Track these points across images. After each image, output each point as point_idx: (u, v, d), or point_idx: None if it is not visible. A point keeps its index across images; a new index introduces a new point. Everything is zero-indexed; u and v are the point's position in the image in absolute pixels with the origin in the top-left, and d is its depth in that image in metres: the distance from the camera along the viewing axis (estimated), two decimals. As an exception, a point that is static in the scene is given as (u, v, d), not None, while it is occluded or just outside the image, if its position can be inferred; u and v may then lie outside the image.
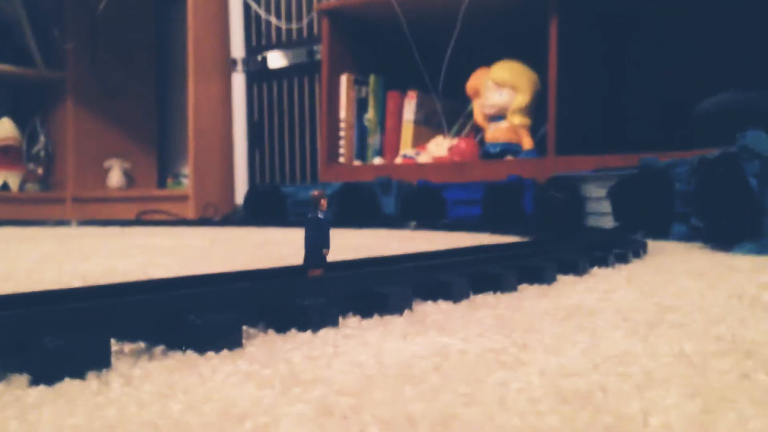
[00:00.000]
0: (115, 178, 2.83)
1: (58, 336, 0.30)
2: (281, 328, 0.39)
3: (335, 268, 0.51)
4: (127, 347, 0.35)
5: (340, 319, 0.42)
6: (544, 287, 0.58)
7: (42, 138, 2.90)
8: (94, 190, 2.81)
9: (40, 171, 2.89)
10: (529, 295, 0.54)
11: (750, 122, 1.27)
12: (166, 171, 3.00)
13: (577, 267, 0.65)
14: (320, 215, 0.47)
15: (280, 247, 1.08)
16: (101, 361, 0.30)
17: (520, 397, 0.27)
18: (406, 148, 2.12)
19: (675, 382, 0.29)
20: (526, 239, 1.18)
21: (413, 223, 1.68)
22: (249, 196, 2.15)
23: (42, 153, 2.90)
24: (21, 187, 2.85)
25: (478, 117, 1.96)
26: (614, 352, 0.34)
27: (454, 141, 1.99)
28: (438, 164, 1.93)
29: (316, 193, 0.47)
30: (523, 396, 0.27)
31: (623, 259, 0.76)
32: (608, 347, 0.36)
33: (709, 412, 0.25)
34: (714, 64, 1.76)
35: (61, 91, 2.79)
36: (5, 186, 2.80)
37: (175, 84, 2.89)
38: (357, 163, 2.20)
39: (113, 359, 0.31)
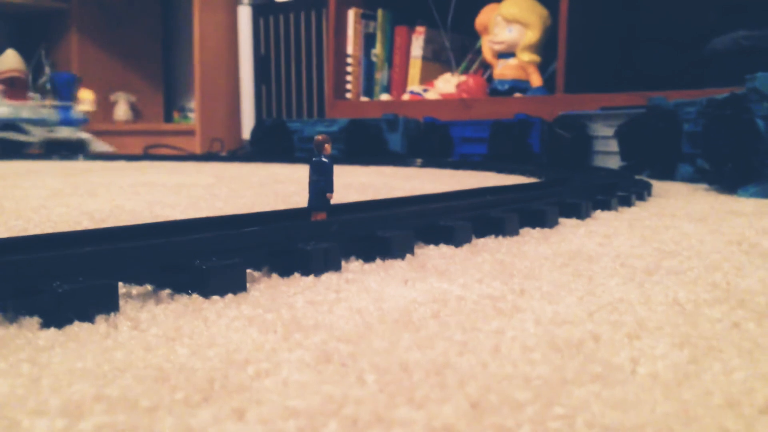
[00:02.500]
0: (122, 111, 2.83)
1: (68, 280, 0.31)
2: (285, 272, 0.40)
3: (338, 211, 0.51)
4: (135, 290, 0.36)
5: (343, 263, 0.43)
6: (546, 231, 0.58)
7: (47, 69, 2.88)
8: (100, 123, 2.80)
9: (46, 103, 2.88)
10: (530, 239, 0.55)
11: (763, 61, 1.25)
12: (172, 105, 2.99)
13: (580, 211, 0.65)
14: (324, 159, 0.47)
15: (285, 184, 1.08)
16: (110, 305, 0.31)
17: (514, 345, 0.28)
18: (414, 85, 2.10)
19: (666, 331, 0.30)
20: (531, 180, 1.19)
21: (419, 161, 1.68)
22: (255, 132, 2.14)
23: (48, 85, 2.89)
24: (28, 119, 2.84)
25: (487, 54, 1.94)
26: (609, 299, 0.35)
27: (462, 78, 1.97)
28: (445, 101, 1.92)
29: (320, 137, 0.47)
30: (517, 344, 0.28)
31: (627, 202, 0.76)
32: (604, 295, 0.36)
33: (696, 362, 0.26)
34: (727, 1, 1.72)
35: (65, 22, 2.77)
36: (12, 118, 2.79)
37: (181, 16, 2.86)
38: (364, 99, 2.18)
39: (121, 302, 0.32)
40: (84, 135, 2.16)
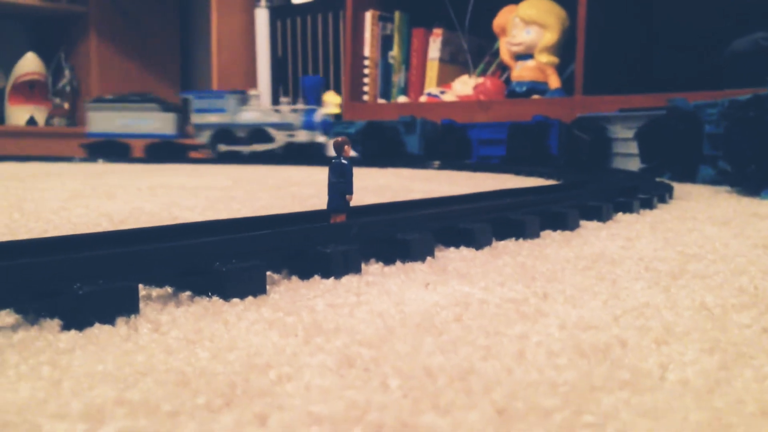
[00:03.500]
0: (140, 114, 2.84)
1: (88, 282, 0.31)
2: (305, 275, 0.40)
3: (358, 213, 0.51)
4: (155, 292, 0.35)
5: (363, 266, 0.43)
6: (567, 234, 0.58)
7: (67, 73, 2.91)
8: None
9: (66, 106, 2.90)
10: (551, 242, 0.54)
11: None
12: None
13: (601, 213, 0.64)
14: (344, 161, 0.47)
15: (302, 187, 1.08)
16: (130, 307, 0.31)
17: (539, 350, 0.27)
18: (431, 87, 2.10)
19: (694, 337, 0.29)
20: (550, 182, 1.18)
21: (437, 163, 1.68)
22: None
23: (67, 88, 2.91)
24: (47, 121, 2.87)
25: (505, 55, 1.93)
26: (634, 304, 0.35)
27: (480, 80, 1.96)
28: (463, 103, 1.91)
29: (339, 139, 0.46)
30: (542, 349, 0.27)
31: (648, 205, 0.76)
32: (629, 299, 0.36)
33: (727, 368, 0.26)
34: (748, 1, 1.70)
35: (84, 25, 2.78)
36: (32, 120, 2.82)
37: (199, 19, 2.87)
38: (381, 101, 2.18)
39: (141, 305, 0.32)
40: (321, 139, 1.98)
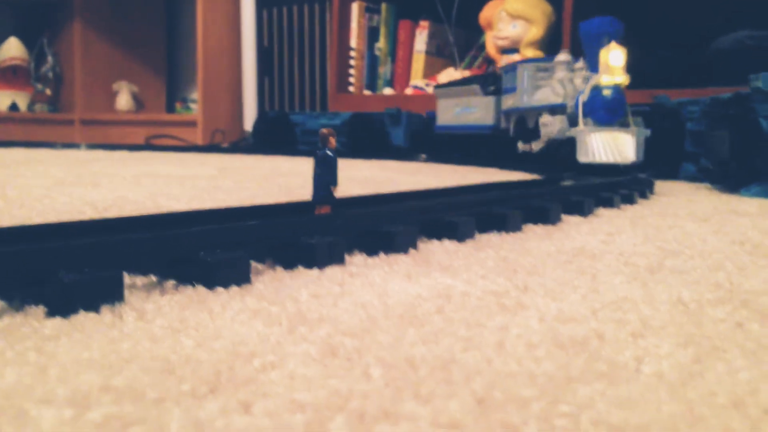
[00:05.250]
0: (124, 101, 2.82)
1: (73, 270, 0.31)
2: (289, 265, 0.40)
3: (343, 205, 0.51)
4: (140, 281, 0.36)
5: (347, 257, 0.43)
6: (548, 228, 0.58)
7: (50, 58, 2.88)
8: (102, 112, 2.80)
9: (48, 92, 2.88)
10: (533, 235, 0.55)
11: (767, 61, 1.25)
12: (174, 95, 2.99)
13: (583, 208, 0.65)
14: (329, 152, 0.47)
15: (288, 177, 1.08)
16: (115, 295, 0.31)
17: (518, 342, 0.28)
18: (417, 79, 2.10)
19: (670, 330, 0.30)
20: (533, 176, 1.18)
21: (423, 156, 1.68)
22: (258, 124, 2.14)
23: (50, 74, 2.89)
24: (30, 107, 2.85)
25: (491, 49, 1.94)
26: (613, 298, 0.35)
27: (466, 73, 1.96)
28: (448, 96, 1.91)
29: (325, 131, 0.47)
30: (522, 341, 0.28)
31: (629, 200, 0.76)
32: (608, 293, 0.36)
33: (701, 361, 0.26)
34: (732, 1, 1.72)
35: (68, 10, 2.76)
36: (14, 106, 2.80)
37: (185, 6, 2.85)
38: (367, 92, 2.18)
39: (126, 293, 0.33)
40: (582, 128, 1.06)
